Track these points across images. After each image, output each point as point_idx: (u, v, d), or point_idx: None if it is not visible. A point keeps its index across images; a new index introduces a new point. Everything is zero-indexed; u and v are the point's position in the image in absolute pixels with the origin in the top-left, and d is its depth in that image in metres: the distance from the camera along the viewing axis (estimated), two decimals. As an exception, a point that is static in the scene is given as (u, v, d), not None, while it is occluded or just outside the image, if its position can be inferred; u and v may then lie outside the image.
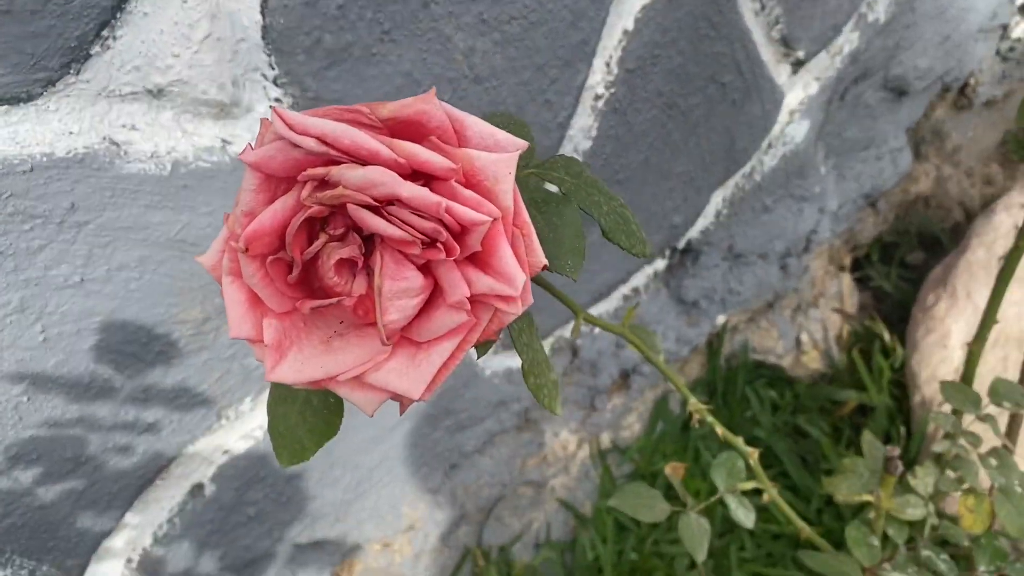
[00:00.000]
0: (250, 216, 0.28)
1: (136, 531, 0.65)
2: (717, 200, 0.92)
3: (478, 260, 0.28)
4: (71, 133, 0.47)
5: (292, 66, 0.53)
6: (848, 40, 0.92)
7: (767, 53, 0.83)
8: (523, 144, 0.29)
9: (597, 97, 0.72)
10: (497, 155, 0.28)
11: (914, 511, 0.60)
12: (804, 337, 1.12)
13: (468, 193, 0.28)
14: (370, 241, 0.28)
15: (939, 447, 0.63)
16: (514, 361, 0.84)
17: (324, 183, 0.27)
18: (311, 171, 0.27)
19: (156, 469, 0.62)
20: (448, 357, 0.29)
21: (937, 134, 1.28)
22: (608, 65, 0.71)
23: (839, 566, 0.57)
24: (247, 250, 0.27)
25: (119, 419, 0.58)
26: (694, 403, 0.56)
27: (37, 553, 0.58)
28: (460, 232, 0.28)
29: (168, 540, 0.66)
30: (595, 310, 0.87)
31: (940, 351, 0.99)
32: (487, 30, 0.61)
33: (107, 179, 0.49)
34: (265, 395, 0.66)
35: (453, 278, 0.28)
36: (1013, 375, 0.94)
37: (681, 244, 0.92)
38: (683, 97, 0.78)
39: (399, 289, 0.27)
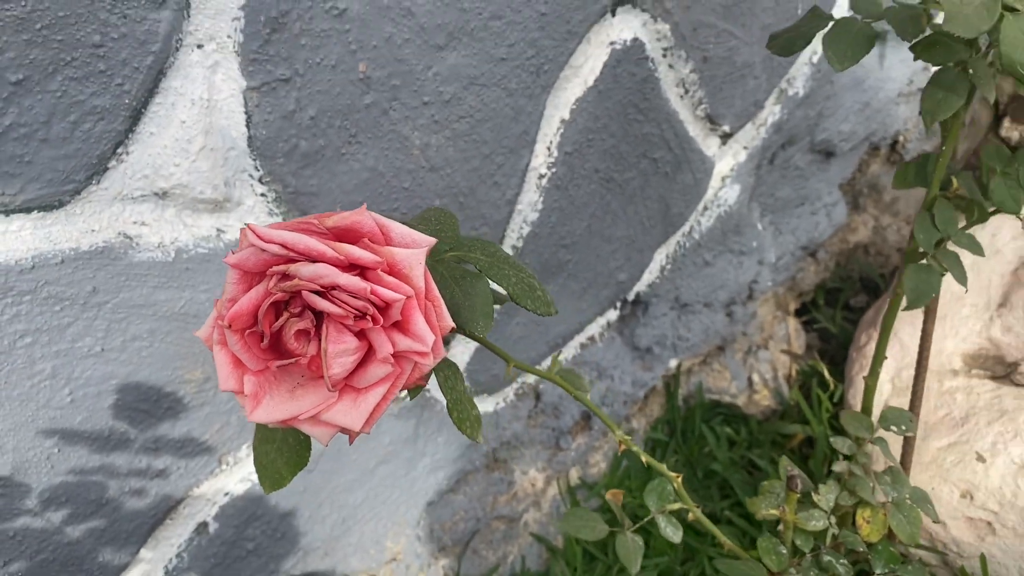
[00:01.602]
0: (232, 301, 0.38)
1: (150, 565, 0.74)
2: (660, 257, 1.02)
3: (399, 326, 0.38)
4: (93, 231, 0.58)
5: (274, 167, 0.64)
6: (771, 112, 1.03)
7: (695, 129, 0.95)
8: (431, 241, 0.40)
9: (540, 176, 0.82)
10: (411, 251, 0.38)
11: (816, 523, 0.69)
12: (755, 377, 1.21)
13: (390, 279, 0.38)
14: (320, 315, 0.39)
15: (838, 467, 0.72)
16: (485, 405, 0.93)
17: (285, 276, 0.37)
18: (276, 268, 0.37)
19: (166, 509, 0.72)
20: (381, 399, 0.39)
21: (874, 187, 1.39)
22: (549, 149, 0.82)
23: (749, 571, 0.66)
24: (230, 326, 0.37)
25: (134, 466, 0.68)
26: (620, 435, 0.66)
27: (65, 585, 0.67)
28: (384, 307, 0.38)
29: (177, 573, 0.75)
30: (549, 362, 0.97)
31: (871, 385, 1.08)
32: (439, 128, 0.72)
33: (122, 266, 0.60)
34: (259, 443, 0.76)
35: (381, 340, 0.38)
36: (935, 408, 1.04)
37: (631, 296, 1.02)
38: (618, 172, 0.89)
39: (340, 350, 0.37)
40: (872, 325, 1.14)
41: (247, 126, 0.61)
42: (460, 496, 0.94)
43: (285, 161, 0.64)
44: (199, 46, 0.57)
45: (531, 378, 0.97)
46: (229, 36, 0.58)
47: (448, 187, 0.75)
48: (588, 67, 0.81)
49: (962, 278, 0.66)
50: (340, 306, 0.37)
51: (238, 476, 0.76)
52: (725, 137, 1.00)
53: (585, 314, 0.96)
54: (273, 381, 0.39)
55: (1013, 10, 0.49)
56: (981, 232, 1.13)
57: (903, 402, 1.06)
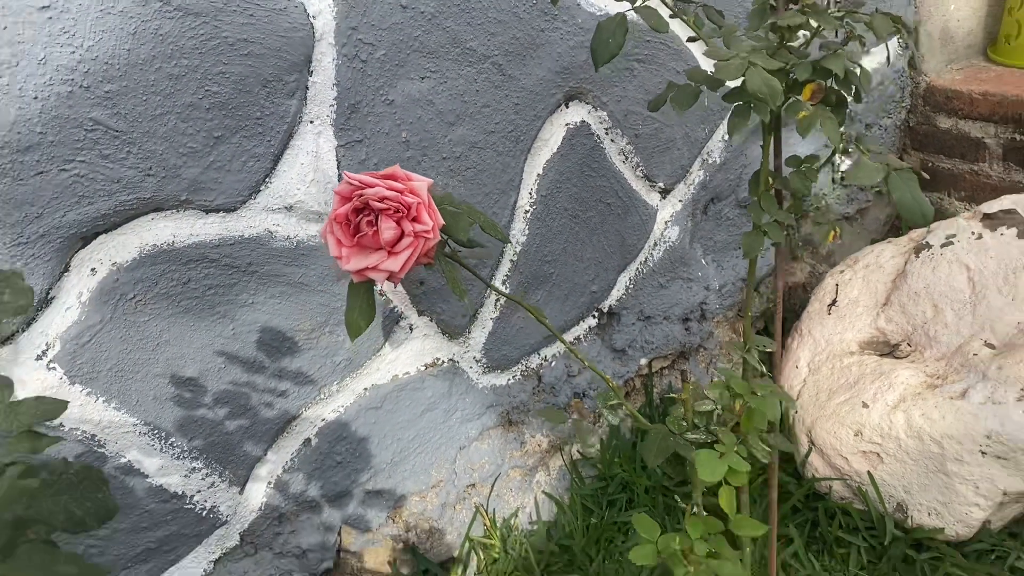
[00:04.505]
0: (335, 211, 0.76)
1: (273, 464, 1.08)
2: (624, 279, 1.38)
3: (415, 219, 0.76)
4: (251, 226, 0.97)
5: (352, 194, 1.03)
6: (697, 175, 1.41)
7: (637, 185, 1.32)
8: (430, 180, 0.77)
9: (526, 211, 1.21)
10: (421, 182, 0.76)
11: (705, 406, 1.00)
12: (715, 380, 1.52)
13: (410, 195, 0.75)
14: (377, 214, 0.76)
15: (721, 369, 1.04)
16: (499, 380, 1.27)
17: (360, 195, 0.75)
18: (356, 192, 0.75)
19: (284, 422, 1.07)
20: (408, 257, 0.76)
21: (809, 243, 1.74)
22: (530, 193, 1.20)
23: (658, 431, 0.97)
24: (335, 221, 0.75)
25: (267, 386, 1.04)
26: (563, 340, 1.00)
27: (223, 462, 1.02)
28: (408, 208, 0.75)
29: (290, 471, 1.09)
30: (546, 351, 1.31)
31: (793, 370, 1.39)
32: (454, 175, 1.11)
33: (266, 249, 0.98)
34: (344, 383, 1.11)
35: (406, 225, 0.75)
36: (837, 378, 1.34)
37: (605, 308, 1.37)
38: (582, 211, 1.26)
39: (386, 227, 0.74)
40: (796, 330, 1.47)
41: (338, 168, 1.01)
42: (484, 445, 1.27)
43: (359, 190, 1.03)
44: (311, 121, 0.98)
45: (533, 363, 1.31)
46: (328, 115, 0.99)
47: (462, 214, 1.13)
48: (553, 139, 1.20)
49: (777, 235, 1.01)
50: (387, 206, 0.75)
51: (331, 407, 1.11)
52: (664, 192, 1.37)
53: (569, 315, 1.31)
54: (356, 251, 0.76)
55: (754, 64, 0.87)
56: (869, 253, 1.47)
57: (816, 378, 1.37)
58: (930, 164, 1.79)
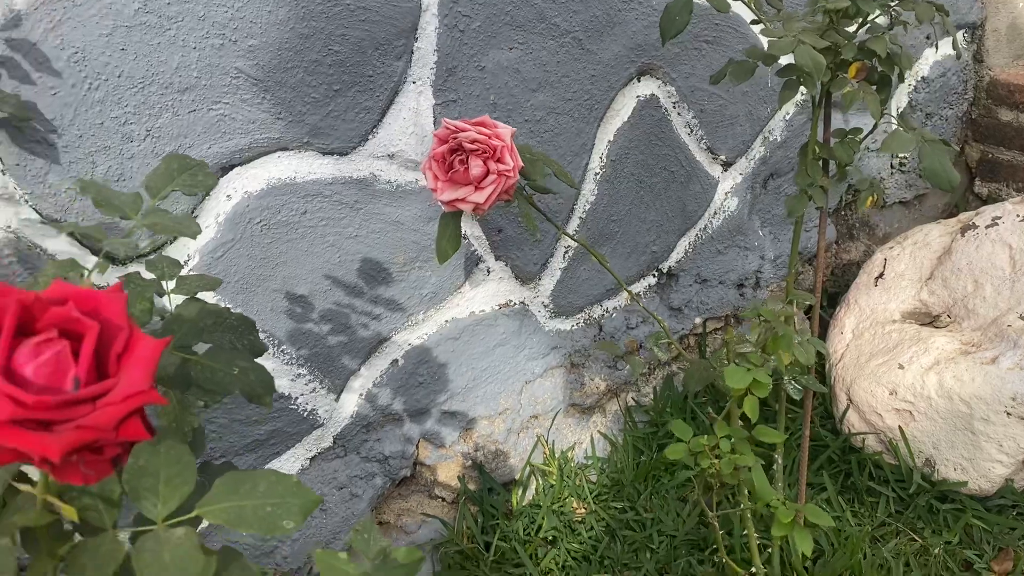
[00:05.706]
0: (433, 150, 0.89)
1: (364, 379, 1.23)
2: (684, 243, 1.48)
3: (499, 160, 0.89)
4: (359, 170, 1.12)
5: (445, 147, 1.16)
6: (758, 151, 1.50)
7: (700, 156, 1.43)
8: (513, 129, 0.90)
9: (596, 173, 1.32)
10: (506, 128, 0.89)
11: (744, 348, 1.10)
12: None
13: (496, 140, 0.88)
14: (467, 155, 0.89)
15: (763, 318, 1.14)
16: (563, 325, 1.40)
17: (455, 137, 0.89)
18: (451, 135, 0.89)
19: (377, 343, 1.22)
20: (492, 191, 0.89)
21: (866, 224, 1.81)
22: (601, 157, 1.32)
23: (700, 363, 1.08)
24: (433, 159, 0.89)
25: (364, 310, 1.19)
26: (625, 287, 1.12)
27: (324, 371, 1.18)
28: (493, 150, 0.88)
29: (379, 386, 1.24)
30: (608, 303, 1.44)
31: (839, 335, 1.48)
32: (533, 136, 1.24)
33: (371, 190, 1.13)
34: (428, 313, 1.26)
35: (492, 165, 0.88)
36: (878, 343, 1.43)
37: (665, 268, 1.48)
38: (647, 176, 1.38)
39: (475, 165, 0.88)
40: (845, 301, 1.55)
41: (434, 124, 1.15)
42: (548, 382, 1.40)
43: (451, 144, 1.16)
44: (413, 82, 1.12)
45: (595, 312, 1.43)
46: (428, 77, 1.12)
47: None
48: (624, 109, 1.32)
49: (820, 199, 1.10)
50: (476, 147, 0.88)
51: (417, 334, 1.25)
52: (725, 164, 1.47)
53: (631, 271, 1.43)
54: (448, 185, 0.90)
55: (803, 42, 0.97)
56: (918, 232, 1.54)
57: (858, 343, 1.46)
58: (990, 155, 1.83)
